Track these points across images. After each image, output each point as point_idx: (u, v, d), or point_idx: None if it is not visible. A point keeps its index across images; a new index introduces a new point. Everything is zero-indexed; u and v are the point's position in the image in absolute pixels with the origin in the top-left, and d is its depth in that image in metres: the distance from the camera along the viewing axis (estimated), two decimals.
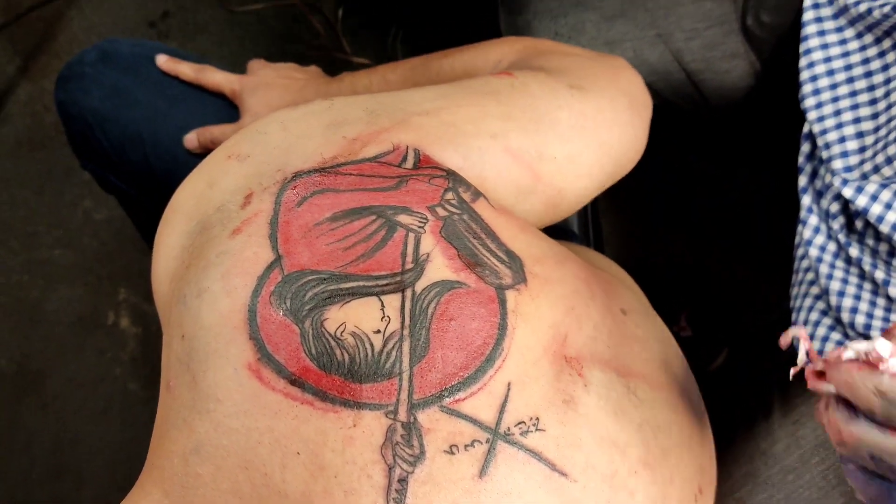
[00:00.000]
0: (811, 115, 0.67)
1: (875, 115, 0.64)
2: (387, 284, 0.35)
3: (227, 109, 0.72)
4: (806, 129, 0.70)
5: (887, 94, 0.63)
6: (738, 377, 0.71)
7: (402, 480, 0.31)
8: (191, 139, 0.69)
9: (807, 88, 0.68)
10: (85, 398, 1.21)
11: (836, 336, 0.65)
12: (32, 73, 1.43)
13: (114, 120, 0.71)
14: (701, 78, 0.79)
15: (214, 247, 0.37)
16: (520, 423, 0.33)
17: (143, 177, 0.73)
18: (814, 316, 0.67)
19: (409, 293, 0.35)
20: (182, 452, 0.33)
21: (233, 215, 0.38)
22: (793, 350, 0.66)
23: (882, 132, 0.61)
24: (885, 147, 0.59)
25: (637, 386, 0.39)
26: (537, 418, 0.34)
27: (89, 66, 0.72)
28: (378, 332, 0.34)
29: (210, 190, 0.41)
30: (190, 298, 0.36)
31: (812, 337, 0.67)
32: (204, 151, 0.68)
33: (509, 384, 0.34)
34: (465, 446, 0.32)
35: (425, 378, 0.33)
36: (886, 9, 0.60)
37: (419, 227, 0.38)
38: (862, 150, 0.63)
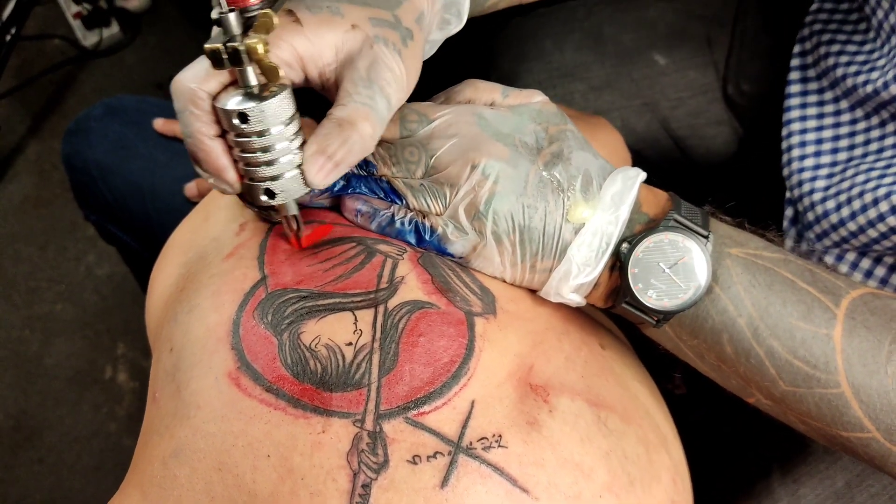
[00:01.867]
0: (788, 184, 0.70)
1: (826, 188, 0.66)
2: (361, 301, 0.37)
3: None
4: (788, 195, 0.72)
5: (844, 171, 0.65)
6: (737, 437, 0.71)
7: (366, 486, 0.32)
8: (191, 188, 0.71)
9: (784, 158, 0.71)
10: (80, 453, 1.20)
11: None
12: (42, 133, 1.46)
13: (116, 172, 0.73)
14: (687, 144, 0.82)
15: (208, 270, 0.40)
16: (482, 439, 0.34)
17: (142, 227, 0.75)
18: None
19: (381, 309, 0.37)
20: (162, 456, 0.34)
21: (227, 242, 0.41)
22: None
23: (843, 197, 0.63)
24: (852, 217, 0.61)
25: (608, 417, 0.39)
26: (500, 435, 0.34)
27: (95, 121, 0.75)
28: (350, 344, 0.35)
29: (206, 223, 0.44)
30: (181, 315, 0.38)
31: None
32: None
33: (473, 402, 0.35)
34: (428, 457, 0.33)
35: (392, 390, 0.34)
36: (870, 87, 0.62)
37: (397, 255, 0.40)
38: (826, 214, 0.65)
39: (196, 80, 0.34)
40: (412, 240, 0.41)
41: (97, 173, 0.74)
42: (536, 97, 0.45)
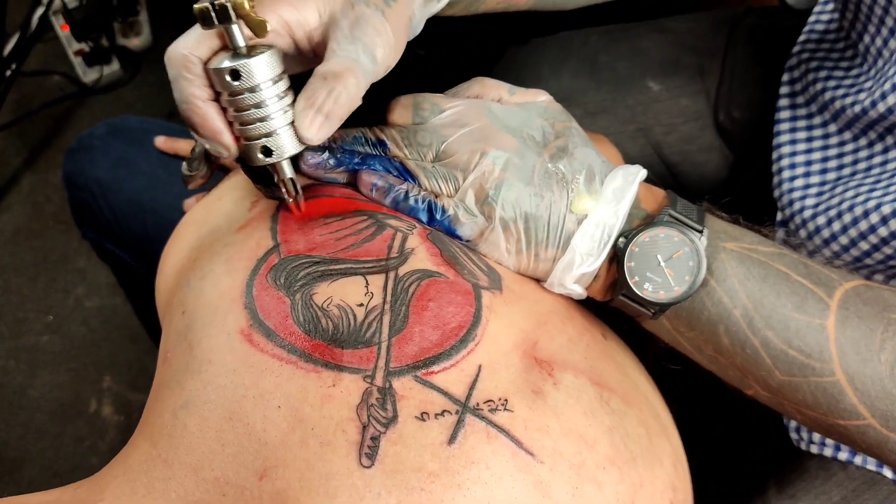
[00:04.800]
0: (779, 204, 0.72)
1: (815, 206, 0.68)
2: (372, 267, 0.38)
3: None
4: (779, 216, 0.74)
5: (833, 188, 0.67)
6: (734, 454, 0.71)
7: (375, 438, 0.33)
8: (190, 203, 0.72)
9: (775, 181, 0.73)
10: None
11: None
12: (37, 166, 1.48)
13: (117, 189, 0.74)
14: (680, 170, 0.84)
15: (221, 240, 0.41)
16: (489, 401, 0.35)
17: (141, 243, 0.76)
18: None
19: (392, 275, 0.38)
20: (172, 408, 0.35)
21: (239, 216, 0.43)
22: (785, 429, 0.66)
23: (833, 213, 0.65)
24: (843, 230, 0.63)
25: (610, 397, 0.40)
26: (506, 400, 0.35)
27: (98, 139, 0.77)
28: (361, 305, 0.37)
29: (219, 202, 0.46)
30: (194, 281, 0.40)
31: None
32: None
33: (480, 366, 0.36)
34: (436, 415, 0.34)
35: (402, 349, 0.35)
36: (857, 108, 0.65)
37: (407, 229, 0.41)
38: (817, 230, 0.67)
39: (188, 47, 0.36)
40: (424, 218, 0.43)
41: (98, 190, 0.75)
42: (541, 96, 0.48)
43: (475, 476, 0.33)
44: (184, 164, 0.48)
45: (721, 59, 0.82)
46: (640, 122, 0.82)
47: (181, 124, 0.82)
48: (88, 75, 1.58)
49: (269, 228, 0.41)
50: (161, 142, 0.77)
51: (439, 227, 0.43)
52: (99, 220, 0.77)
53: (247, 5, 0.34)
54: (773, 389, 0.42)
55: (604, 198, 0.43)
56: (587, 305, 0.48)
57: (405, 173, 0.43)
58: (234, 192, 0.46)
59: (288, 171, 0.40)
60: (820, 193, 0.69)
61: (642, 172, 0.45)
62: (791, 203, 0.71)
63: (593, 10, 0.69)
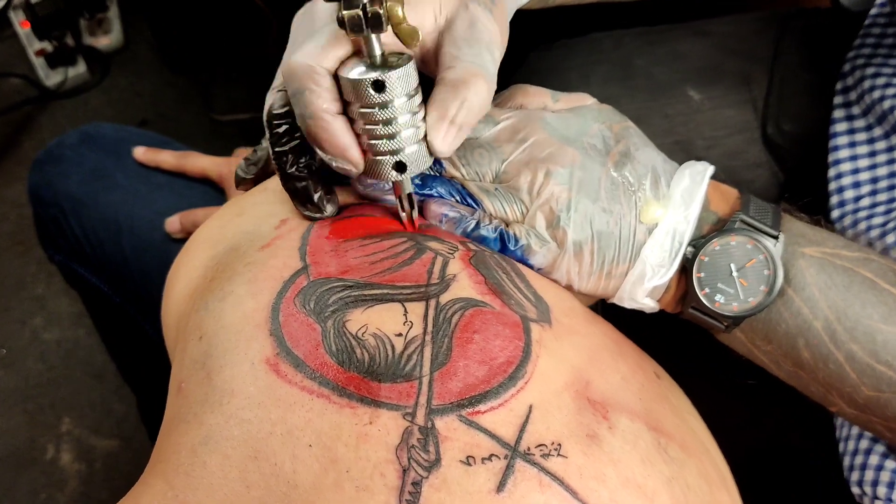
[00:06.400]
0: (839, 226, 0.70)
1: (884, 224, 0.67)
2: (411, 293, 0.38)
3: (211, 195, 0.74)
4: None
5: None
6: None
7: (416, 484, 0.32)
8: (173, 222, 0.70)
9: (833, 200, 0.71)
10: None
11: (891, 464, 0.63)
12: None
13: (90, 205, 0.72)
14: None
15: (242, 259, 0.41)
16: (540, 446, 0.34)
17: (114, 266, 0.73)
18: (864, 444, 0.66)
19: (433, 303, 0.38)
20: (190, 444, 0.34)
21: (264, 234, 0.42)
22: (846, 483, 0.64)
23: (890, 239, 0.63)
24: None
25: (668, 444, 0.39)
26: (559, 444, 0.34)
27: (69, 149, 0.75)
28: (400, 335, 0.36)
29: (239, 218, 0.45)
30: (213, 303, 0.39)
31: (864, 466, 0.65)
32: (185, 236, 0.69)
33: (531, 406, 0.35)
34: (483, 459, 0.33)
35: (445, 385, 0.35)
36: None
37: (448, 253, 0.41)
38: (886, 251, 0.65)
39: (312, 57, 0.37)
40: (496, 247, 0.43)
41: (68, 206, 0.74)
42: (588, 100, 0.48)
43: None
44: (241, 163, 0.48)
45: (769, 66, 0.81)
46: (680, 133, 0.81)
47: (157, 132, 0.81)
48: (51, 78, 1.57)
49: (298, 248, 0.40)
50: (141, 153, 0.76)
51: (513, 256, 0.43)
52: (68, 239, 0.75)
53: (400, 12, 0.35)
54: (860, 406, 0.42)
55: (672, 202, 0.43)
56: (636, 339, 0.47)
57: (468, 197, 0.43)
58: (258, 207, 0.45)
59: (408, 186, 0.41)
60: (888, 211, 0.68)
61: (710, 169, 0.44)
62: (855, 224, 0.69)
63: (626, 9, 0.67)
